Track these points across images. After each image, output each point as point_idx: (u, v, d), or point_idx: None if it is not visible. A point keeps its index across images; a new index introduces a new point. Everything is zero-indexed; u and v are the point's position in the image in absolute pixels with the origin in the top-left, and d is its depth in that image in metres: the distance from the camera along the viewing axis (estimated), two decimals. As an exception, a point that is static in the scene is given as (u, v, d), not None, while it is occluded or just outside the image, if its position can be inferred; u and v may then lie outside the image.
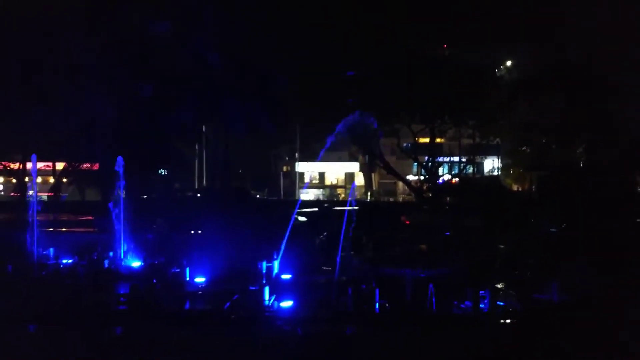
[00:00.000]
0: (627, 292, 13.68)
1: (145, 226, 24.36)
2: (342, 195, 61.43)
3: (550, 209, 29.61)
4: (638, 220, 31.07)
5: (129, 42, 33.88)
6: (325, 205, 39.67)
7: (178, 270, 14.96)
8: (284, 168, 64.48)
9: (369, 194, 56.00)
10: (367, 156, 43.50)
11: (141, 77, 33.70)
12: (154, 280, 13.95)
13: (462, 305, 12.64)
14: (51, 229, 23.97)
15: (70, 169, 43.43)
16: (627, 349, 9.79)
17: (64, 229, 25.52)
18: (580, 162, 46.02)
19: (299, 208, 24.96)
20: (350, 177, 63.70)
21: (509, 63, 46.42)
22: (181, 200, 37.28)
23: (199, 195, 42.81)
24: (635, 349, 9.76)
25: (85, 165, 41.45)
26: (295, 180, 60.85)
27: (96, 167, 39.90)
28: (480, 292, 12.40)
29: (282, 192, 60.31)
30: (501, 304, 12.44)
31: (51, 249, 17.97)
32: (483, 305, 12.25)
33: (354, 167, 60.00)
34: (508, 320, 12.27)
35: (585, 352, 9.67)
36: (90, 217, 28.49)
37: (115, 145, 33.32)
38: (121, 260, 17.24)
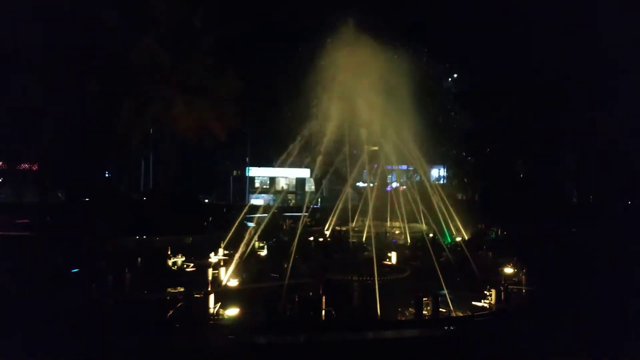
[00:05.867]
0: (562, 298, 14.41)
1: (87, 229, 23.55)
2: (293, 201, 61.42)
3: (492, 217, 30.79)
4: (573, 230, 32.84)
5: (72, 35, 32.46)
6: (275, 211, 39.50)
7: (119, 275, 14.44)
8: (234, 172, 63.75)
9: (319, 200, 56.22)
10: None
11: (84, 74, 32.43)
12: (92, 286, 13.43)
13: (407, 312, 12.91)
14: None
15: (6, 168, 41.33)
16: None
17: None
18: (521, 173, 48.10)
19: (249, 213, 24.81)
20: (301, 183, 63.89)
21: (455, 75, 47.89)
22: (126, 203, 36.10)
23: (144, 198, 41.65)
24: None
25: (23, 166, 39.50)
26: (245, 185, 60.32)
27: (35, 167, 38.13)
28: (424, 298, 12.70)
29: (231, 197, 59.60)
30: (443, 310, 12.75)
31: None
32: (426, 312, 12.54)
33: (305, 172, 59.88)
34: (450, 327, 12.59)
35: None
36: (26, 220, 27.22)
37: (56, 145, 31.95)
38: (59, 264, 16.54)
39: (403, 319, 12.73)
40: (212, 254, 19.36)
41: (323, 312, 12.17)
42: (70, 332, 10.90)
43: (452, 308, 13.12)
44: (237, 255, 17.64)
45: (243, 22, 36.24)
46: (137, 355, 10.02)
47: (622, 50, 34.61)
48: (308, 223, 28.89)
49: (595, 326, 11.71)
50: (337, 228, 27.05)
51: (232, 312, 12.18)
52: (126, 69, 33.22)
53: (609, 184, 41.88)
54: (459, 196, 48.05)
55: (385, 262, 18.64)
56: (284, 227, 29.05)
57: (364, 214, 25.21)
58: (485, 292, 14.00)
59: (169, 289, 14.63)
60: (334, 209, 27.74)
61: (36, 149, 32.45)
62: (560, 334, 11.51)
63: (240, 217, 20.87)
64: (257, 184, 62.22)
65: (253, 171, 59.67)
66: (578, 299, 14.28)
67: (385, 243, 22.75)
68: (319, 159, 22.68)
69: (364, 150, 23.85)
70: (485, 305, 13.74)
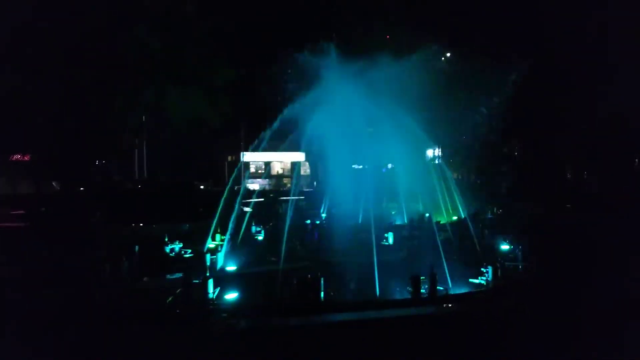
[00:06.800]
0: (556, 276, 14.53)
1: (83, 219, 23.49)
2: (289, 185, 61.41)
3: (487, 196, 30.92)
4: (568, 205, 33.07)
5: (66, 23, 31.97)
6: (271, 195, 39.56)
7: (117, 264, 14.44)
8: (229, 158, 63.60)
9: (315, 183, 56.28)
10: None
11: (77, 63, 32.02)
12: (90, 276, 13.44)
13: (405, 291, 12.99)
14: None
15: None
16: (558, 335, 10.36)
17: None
18: (515, 151, 48.22)
19: (244, 199, 24.77)
20: (296, 166, 63.73)
21: (448, 54, 47.53)
22: (121, 191, 36.03)
23: (139, 186, 41.57)
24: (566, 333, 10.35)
25: (16, 156, 39.20)
26: (240, 171, 60.17)
27: (27, 157, 37.87)
28: (421, 277, 12.78)
29: (228, 183, 59.48)
30: (440, 288, 12.85)
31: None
32: (424, 290, 12.63)
33: (300, 156, 59.70)
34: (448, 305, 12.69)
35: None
36: (21, 211, 27.11)
37: (49, 135, 31.68)
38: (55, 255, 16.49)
39: (401, 298, 12.80)
40: (209, 240, 19.39)
41: (322, 293, 12.23)
42: (68, 324, 10.90)
43: (450, 286, 13.24)
44: (234, 241, 17.69)
45: (237, 10, 35.90)
46: (137, 343, 10.04)
47: (619, 33, 34.44)
48: (303, 206, 28.96)
49: (590, 302, 11.83)
50: (333, 210, 27.07)
51: (232, 296, 12.22)
52: (118, 57, 32.85)
53: (603, 162, 42.08)
54: (455, 175, 48.17)
55: (383, 243, 18.73)
56: (280, 211, 29.07)
57: (360, 195, 25.23)
58: (482, 269, 14.10)
59: (168, 276, 14.66)
60: (330, 191, 27.76)
61: (29, 139, 32.17)
62: (556, 310, 11.64)
63: (237, 202, 20.81)
64: (252, 169, 62.12)
65: (247, 156, 59.43)
66: (572, 275, 14.40)
67: (382, 223, 22.81)
68: (314, 142, 22.64)
69: (360, 132, 23.78)
70: (482, 282, 13.86)
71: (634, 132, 37.32)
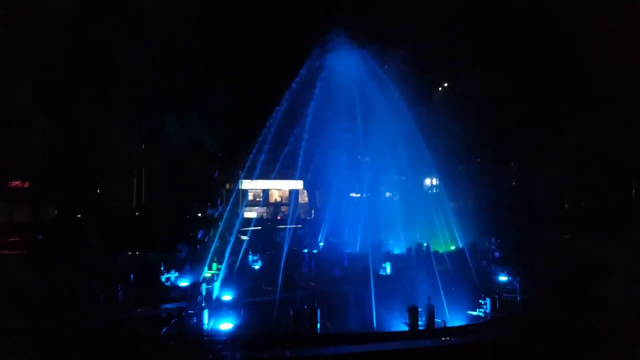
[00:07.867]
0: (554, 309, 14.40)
1: (79, 247, 23.36)
2: (286, 213, 61.27)
3: (485, 225, 30.85)
4: (566, 236, 32.98)
5: (63, 50, 32.33)
6: (269, 223, 39.46)
7: (113, 293, 14.31)
8: (227, 186, 63.55)
9: (312, 211, 56.16)
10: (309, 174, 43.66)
11: (75, 89, 32.25)
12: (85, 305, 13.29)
13: (403, 322, 12.83)
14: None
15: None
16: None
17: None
18: (513, 180, 48.35)
19: (241, 227, 24.68)
20: (294, 194, 63.75)
21: (445, 85, 48.15)
22: (118, 219, 35.88)
23: (137, 214, 41.43)
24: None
25: (14, 183, 39.23)
26: (239, 198, 60.08)
27: (26, 184, 37.87)
28: (419, 308, 12.65)
29: (226, 210, 59.27)
30: (438, 320, 12.70)
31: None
32: (422, 322, 12.48)
33: (298, 184, 59.76)
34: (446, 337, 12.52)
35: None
36: (17, 239, 26.97)
37: (47, 162, 31.78)
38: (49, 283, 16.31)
39: (399, 330, 12.63)
40: (205, 269, 19.20)
41: (318, 325, 12.08)
42: (62, 351, 10.74)
43: (447, 318, 13.08)
44: (231, 270, 17.54)
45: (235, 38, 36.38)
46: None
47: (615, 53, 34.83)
48: (301, 235, 28.85)
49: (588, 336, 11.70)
50: (331, 239, 26.97)
51: (227, 327, 12.05)
52: (117, 84, 33.11)
53: (600, 190, 42.13)
54: (452, 205, 48.12)
55: (380, 273, 18.58)
56: (277, 239, 28.92)
57: (358, 224, 25.18)
58: (480, 301, 13.97)
59: (163, 305, 14.48)
60: (328, 220, 27.71)
61: (26, 165, 32.23)
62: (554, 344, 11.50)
63: (234, 231, 20.76)
64: (250, 197, 62.01)
65: (245, 184, 59.43)
66: (571, 307, 14.26)
67: (380, 253, 22.70)
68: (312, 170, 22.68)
69: (358, 162, 23.89)
70: (481, 314, 13.71)
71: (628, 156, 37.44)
